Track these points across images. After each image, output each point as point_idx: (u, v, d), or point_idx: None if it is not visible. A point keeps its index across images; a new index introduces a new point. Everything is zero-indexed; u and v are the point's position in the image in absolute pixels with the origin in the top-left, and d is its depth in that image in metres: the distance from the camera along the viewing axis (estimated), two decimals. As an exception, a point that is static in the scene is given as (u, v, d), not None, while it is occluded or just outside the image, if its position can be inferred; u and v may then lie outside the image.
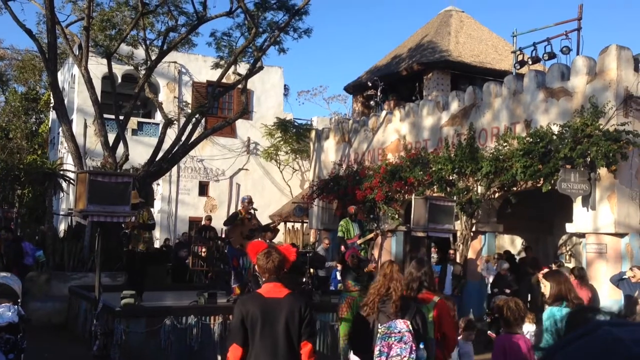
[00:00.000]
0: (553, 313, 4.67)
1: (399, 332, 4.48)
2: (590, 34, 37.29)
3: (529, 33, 15.54)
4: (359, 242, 12.25)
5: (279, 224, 15.87)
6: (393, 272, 4.71)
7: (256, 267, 4.18)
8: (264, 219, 15.32)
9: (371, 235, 13.05)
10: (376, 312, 4.64)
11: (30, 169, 21.38)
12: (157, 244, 19.44)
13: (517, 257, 14.64)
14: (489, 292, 12.23)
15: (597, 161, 10.39)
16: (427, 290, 4.94)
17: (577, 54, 13.18)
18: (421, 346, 4.55)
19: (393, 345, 4.46)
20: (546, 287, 4.77)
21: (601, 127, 10.70)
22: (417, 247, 16.07)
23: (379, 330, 4.59)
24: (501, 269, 11.82)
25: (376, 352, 4.55)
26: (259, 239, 13.35)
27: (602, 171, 10.75)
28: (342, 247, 11.54)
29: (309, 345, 4.01)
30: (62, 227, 20.02)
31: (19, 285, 6.41)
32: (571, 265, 11.55)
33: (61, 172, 19.54)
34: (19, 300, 6.21)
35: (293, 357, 3.94)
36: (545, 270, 11.75)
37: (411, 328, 4.52)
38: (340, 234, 12.35)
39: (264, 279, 4.18)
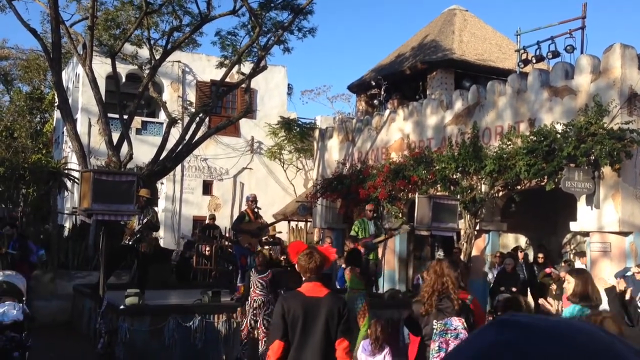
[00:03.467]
0: (573, 312, 4.65)
1: (455, 329, 4.63)
2: (595, 33, 37.19)
3: (533, 32, 15.54)
4: (374, 241, 12.16)
5: (278, 221, 15.88)
6: (444, 269, 4.82)
7: (296, 266, 4.27)
8: (268, 217, 15.35)
9: (387, 236, 12.93)
10: (434, 309, 4.75)
11: (34, 168, 21.40)
12: (161, 243, 19.49)
13: (521, 255, 14.60)
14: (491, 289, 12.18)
15: (601, 160, 10.37)
16: (462, 290, 5.10)
17: (581, 52, 13.16)
18: None
19: (450, 342, 4.60)
20: (570, 284, 4.73)
21: (605, 125, 10.67)
22: (421, 246, 16.08)
23: (436, 327, 4.71)
24: (507, 266, 11.79)
25: (435, 347, 4.68)
26: (266, 237, 13.42)
27: (606, 170, 10.73)
28: (350, 244, 11.44)
29: (345, 342, 4.18)
30: (67, 225, 20.08)
31: (24, 283, 6.45)
32: (577, 265, 11.50)
33: (66, 171, 19.57)
34: (23, 299, 6.25)
35: (331, 353, 4.10)
36: (551, 269, 11.78)
37: (465, 325, 4.65)
38: (352, 232, 12.30)
39: (304, 279, 4.27)
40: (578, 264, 11.57)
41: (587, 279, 4.87)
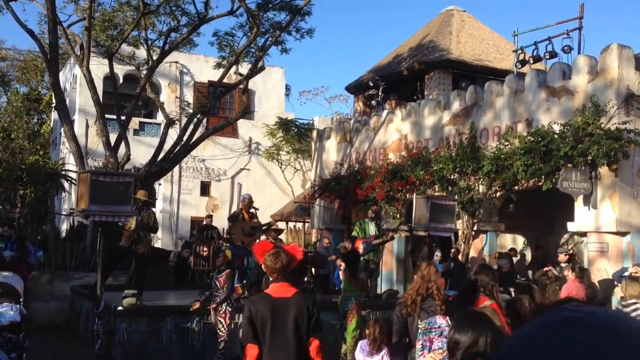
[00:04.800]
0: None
1: (439, 327, 4.67)
2: (592, 33, 37.33)
3: (530, 32, 15.55)
4: (374, 242, 12.18)
5: (277, 222, 15.90)
6: (431, 274, 4.87)
7: (263, 266, 4.23)
8: (265, 218, 15.34)
9: (387, 238, 12.95)
10: (418, 310, 4.84)
11: (32, 169, 21.39)
12: (159, 244, 19.47)
13: (519, 256, 14.63)
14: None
15: (598, 160, 10.39)
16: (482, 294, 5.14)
17: (579, 52, 13.18)
18: None
19: (434, 339, 4.65)
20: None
21: (602, 125, 10.69)
22: (418, 247, 16.08)
23: (420, 326, 4.78)
24: (504, 266, 11.80)
25: (419, 346, 4.73)
26: (268, 239, 13.42)
27: (604, 170, 10.75)
28: (348, 245, 11.46)
29: (316, 341, 4.15)
30: (64, 227, 20.04)
31: (21, 284, 6.43)
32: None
33: (63, 172, 19.56)
34: (21, 300, 6.23)
35: (303, 353, 4.07)
36: (550, 267, 11.77)
37: (450, 323, 4.68)
38: (354, 233, 12.31)
39: (271, 279, 4.23)
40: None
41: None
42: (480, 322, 2.81)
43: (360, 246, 12.09)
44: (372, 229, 12.16)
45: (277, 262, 4.12)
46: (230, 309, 8.25)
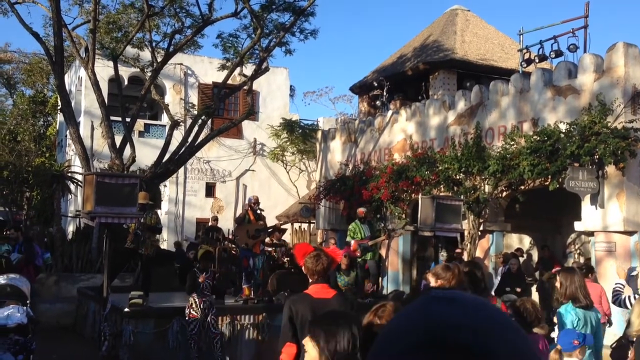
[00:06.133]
0: (567, 310, 4.68)
1: None
2: (598, 32, 37.19)
3: (536, 31, 15.49)
4: (369, 243, 12.25)
5: (284, 224, 15.92)
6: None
7: (303, 268, 4.28)
8: (271, 219, 15.33)
9: (382, 238, 13.08)
10: None
11: (38, 171, 21.48)
12: (164, 246, 19.49)
13: (525, 256, 14.57)
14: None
15: (605, 159, 10.34)
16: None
17: (584, 51, 13.12)
18: None
19: None
20: (558, 285, 4.79)
21: (609, 124, 10.64)
22: (424, 247, 16.06)
23: None
24: (512, 266, 11.76)
25: None
26: (273, 240, 13.43)
27: (610, 169, 10.69)
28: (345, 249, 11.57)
29: None
30: (71, 228, 20.10)
31: (28, 286, 6.45)
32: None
33: (69, 174, 19.62)
34: (27, 302, 6.24)
35: None
36: (558, 268, 11.73)
37: None
38: (348, 238, 12.38)
39: (311, 281, 4.30)
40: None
41: (574, 279, 4.89)
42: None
43: (357, 248, 12.14)
44: (365, 230, 12.22)
45: (318, 264, 4.20)
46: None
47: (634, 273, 8.97)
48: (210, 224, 16.90)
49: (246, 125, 22.80)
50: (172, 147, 17.33)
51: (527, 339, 0.76)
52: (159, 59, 17.75)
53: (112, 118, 17.21)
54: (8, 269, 8.44)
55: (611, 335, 9.23)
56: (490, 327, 0.73)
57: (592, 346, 4.61)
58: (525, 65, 14.81)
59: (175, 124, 17.78)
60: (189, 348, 8.71)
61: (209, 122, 19.09)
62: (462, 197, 12.57)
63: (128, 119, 17.18)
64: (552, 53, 13.94)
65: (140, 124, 21.33)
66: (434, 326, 0.72)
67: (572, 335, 4.29)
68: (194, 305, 8.63)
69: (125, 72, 20.86)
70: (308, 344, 2.70)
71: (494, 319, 0.74)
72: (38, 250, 12.64)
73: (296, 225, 21.69)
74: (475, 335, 0.70)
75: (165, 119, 20.99)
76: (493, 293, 12.22)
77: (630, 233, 10.79)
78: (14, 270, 8.07)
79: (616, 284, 7.44)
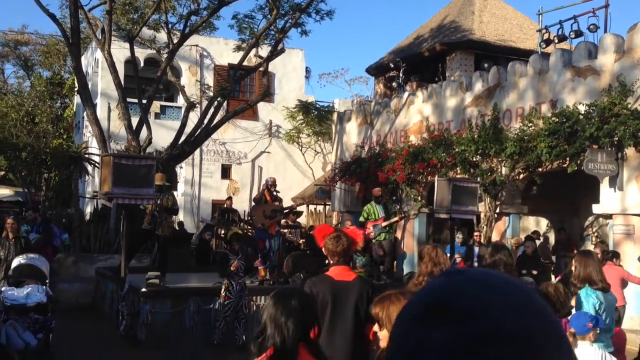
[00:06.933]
0: (587, 293, 4.64)
1: None
2: (619, 11, 36.45)
3: (555, 11, 15.22)
4: (383, 224, 12.28)
5: (299, 205, 15.95)
6: (439, 257, 4.87)
7: (323, 249, 4.24)
8: (286, 201, 15.36)
9: (395, 219, 13.11)
10: None
11: (56, 152, 21.66)
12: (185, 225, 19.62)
13: (542, 239, 14.48)
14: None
15: (625, 141, 10.19)
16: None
17: (605, 31, 12.88)
18: None
19: None
20: (573, 268, 4.76)
21: (629, 106, 10.47)
22: (440, 229, 16.02)
23: None
24: (526, 248, 11.69)
25: None
26: (287, 222, 13.46)
27: (630, 151, 10.54)
28: (349, 225, 11.58)
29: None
30: (88, 209, 20.30)
31: (47, 266, 6.53)
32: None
33: (86, 156, 19.78)
34: (47, 281, 6.33)
35: (360, 337, 4.06)
36: (575, 251, 11.65)
37: None
38: (361, 218, 12.40)
39: (332, 262, 4.25)
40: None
41: (588, 262, 4.87)
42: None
43: (371, 229, 12.15)
44: (379, 211, 12.22)
45: (339, 245, 4.13)
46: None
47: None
48: (225, 205, 17.00)
49: (262, 107, 22.77)
50: (188, 128, 17.37)
51: (543, 314, 0.75)
52: (175, 41, 17.74)
53: (129, 100, 17.27)
54: (27, 249, 8.57)
55: (627, 319, 9.17)
56: (498, 296, 0.75)
57: (612, 329, 4.59)
58: (544, 45, 14.59)
59: (191, 106, 17.81)
60: (216, 328, 8.78)
61: (225, 103, 19.08)
62: (478, 179, 12.48)
63: (144, 101, 17.23)
64: (571, 33, 13.71)
65: (156, 105, 21.39)
66: (439, 291, 0.77)
67: (586, 318, 4.25)
68: (230, 289, 8.73)
69: (141, 53, 20.88)
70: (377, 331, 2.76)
71: (504, 289, 0.76)
72: (56, 231, 12.79)
73: (312, 207, 21.72)
74: (476, 299, 0.74)
75: (181, 101, 21.02)
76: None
77: (649, 216, 10.65)
78: (32, 251, 8.19)
79: None
